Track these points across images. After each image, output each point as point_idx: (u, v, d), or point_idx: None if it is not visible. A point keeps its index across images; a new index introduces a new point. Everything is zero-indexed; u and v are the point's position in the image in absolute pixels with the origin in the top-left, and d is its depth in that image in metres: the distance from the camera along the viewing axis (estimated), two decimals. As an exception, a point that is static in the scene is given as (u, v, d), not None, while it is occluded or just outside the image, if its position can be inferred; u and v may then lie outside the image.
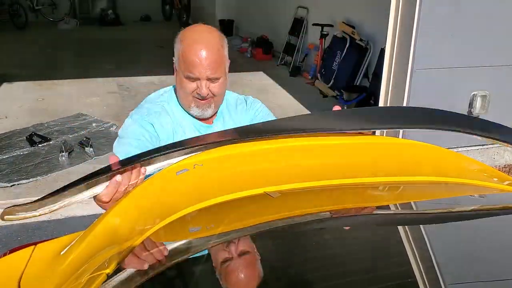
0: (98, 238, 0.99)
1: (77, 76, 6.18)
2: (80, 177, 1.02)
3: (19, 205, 1.02)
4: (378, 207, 1.18)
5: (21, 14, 9.93)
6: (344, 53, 5.58)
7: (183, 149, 1.12)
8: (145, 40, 8.95)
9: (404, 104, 3.59)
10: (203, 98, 1.52)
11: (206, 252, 0.97)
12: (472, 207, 1.22)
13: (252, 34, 8.16)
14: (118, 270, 0.87)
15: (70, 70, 6.61)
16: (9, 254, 1.11)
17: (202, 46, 1.46)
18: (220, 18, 9.32)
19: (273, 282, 0.91)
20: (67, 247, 1.02)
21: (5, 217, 1.00)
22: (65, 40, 8.89)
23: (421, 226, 1.10)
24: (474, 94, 3.71)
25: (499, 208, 1.19)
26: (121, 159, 1.37)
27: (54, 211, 1.08)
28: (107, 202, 1.11)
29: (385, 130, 2.87)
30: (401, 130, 3.07)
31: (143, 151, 1.15)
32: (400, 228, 1.11)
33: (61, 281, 0.89)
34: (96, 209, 1.23)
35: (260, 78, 6.50)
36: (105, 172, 1.04)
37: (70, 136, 4.23)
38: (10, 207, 1.00)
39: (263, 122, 1.46)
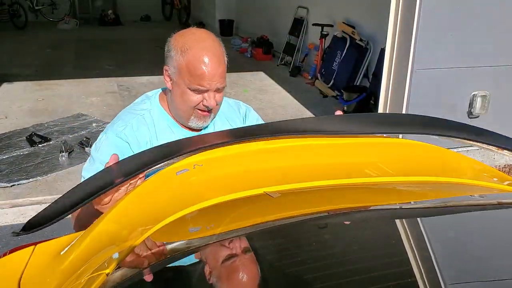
0: (98, 238, 0.99)
1: (77, 76, 6.18)
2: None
3: None
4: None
5: (21, 14, 9.94)
6: (344, 53, 5.57)
7: (185, 153, 1.12)
8: (145, 40, 8.94)
9: (404, 104, 3.60)
10: (208, 110, 1.46)
11: (193, 260, 0.96)
12: (470, 202, 1.22)
13: (252, 34, 8.16)
14: (117, 270, 0.87)
15: (70, 70, 6.61)
16: (9, 254, 1.11)
17: (210, 56, 1.39)
18: (220, 18, 9.32)
19: (273, 281, 0.91)
20: (67, 247, 1.02)
21: None
22: (65, 40, 8.88)
23: (421, 226, 1.10)
24: (474, 94, 3.70)
25: (495, 203, 1.19)
26: None
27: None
28: (107, 203, 1.11)
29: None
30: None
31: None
32: (400, 227, 1.11)
33: (61, 281, 0.89)
34: (96, 209, 1.23)
35: (260, 78, 6.50)
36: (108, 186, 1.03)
37: (70, 136, 4.23)
38: None
39: (265, 123, 1.45)
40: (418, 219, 1.13)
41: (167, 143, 1.27)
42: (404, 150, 1.35)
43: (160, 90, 1.59)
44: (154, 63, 6.71)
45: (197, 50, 1.39)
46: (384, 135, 1.38)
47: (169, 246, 0.98)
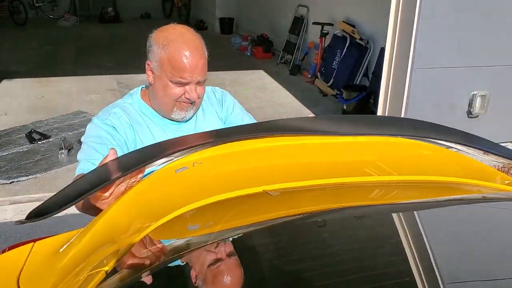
0: (97, 236, 0.99)
1: (76, 74, 6.17)
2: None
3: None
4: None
5: (21, 11, 9.91)
6: (344, 52, 5.57)
7: (183, 149, 1.12)
8: (145, 38, 8.74)
9: (404, 103, 3.60)
10: (191, 102, 1.50)
11: (178, 263, 0.96)
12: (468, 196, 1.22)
13: (252, 32, 8.16)
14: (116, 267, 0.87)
15: (69, 67, 6.60)
16: (8, 251, 1.11)
17: (191, 49, 1.44)
18: (220, 16, 9.31)
19: (272, 279, 0.91)
20: (66, 244, 1.02)
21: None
22: (65, 37, 8.86)
23: (420, 226, 1.10)
24: (473, 94, 3.71)
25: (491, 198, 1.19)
26: (86, 163, 1.38)
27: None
28: (107, 198, 1.11)
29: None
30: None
31: (106, 153, 1.15)
32: (399, 227, 1.11)
33: (60, 278, 0.89)
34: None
35: (260, 77, 6.50)
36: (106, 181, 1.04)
37: (70, 133, 4.23)
38: None
39: (264, 121, 1.46)
40: (417, 218, 1.13)
41: (167, 140, 1.29)
42: (404, 149, 1.35)
43: (141, 87, 1.64)
44: (154, 60, 6.75)
45: (178, 43, 1.45)
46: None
47: (166, 247, 0.98)
